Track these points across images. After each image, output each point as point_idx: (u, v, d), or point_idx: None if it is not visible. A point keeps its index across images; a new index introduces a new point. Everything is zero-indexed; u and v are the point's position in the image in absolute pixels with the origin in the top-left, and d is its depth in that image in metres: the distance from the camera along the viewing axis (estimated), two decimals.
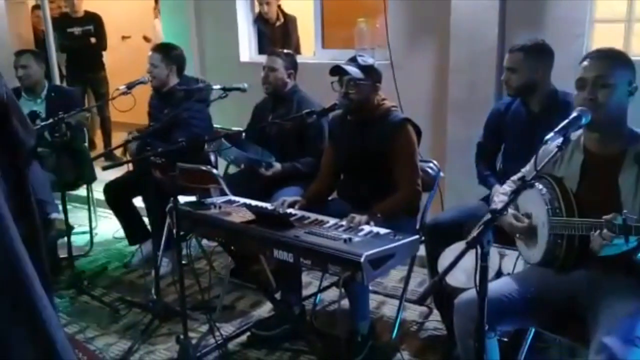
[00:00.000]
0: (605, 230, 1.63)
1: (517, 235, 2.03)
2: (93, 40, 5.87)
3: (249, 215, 2.36)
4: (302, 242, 2.09)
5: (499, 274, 2.18)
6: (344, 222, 2.31)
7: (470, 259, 2.09)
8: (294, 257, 2.10)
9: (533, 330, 2.11)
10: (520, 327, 2.11)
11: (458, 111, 3.46)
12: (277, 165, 3.03)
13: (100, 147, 6.28)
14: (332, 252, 2.00)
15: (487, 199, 2.66)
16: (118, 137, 5.46)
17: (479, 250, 1.51)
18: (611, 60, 1.84)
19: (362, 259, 1.90)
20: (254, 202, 2.62)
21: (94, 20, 5.91)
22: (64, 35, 5.73)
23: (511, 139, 2.66)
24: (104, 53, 6.08)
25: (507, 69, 2.54)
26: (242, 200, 2.67)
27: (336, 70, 2.61)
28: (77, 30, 5.81)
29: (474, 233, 1.50)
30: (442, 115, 3.57)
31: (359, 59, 2.63)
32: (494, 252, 2.21)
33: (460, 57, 3.41)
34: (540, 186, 1.93)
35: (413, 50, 3.70)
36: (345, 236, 2.10)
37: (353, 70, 2.58)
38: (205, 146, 3.36)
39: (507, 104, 2.69)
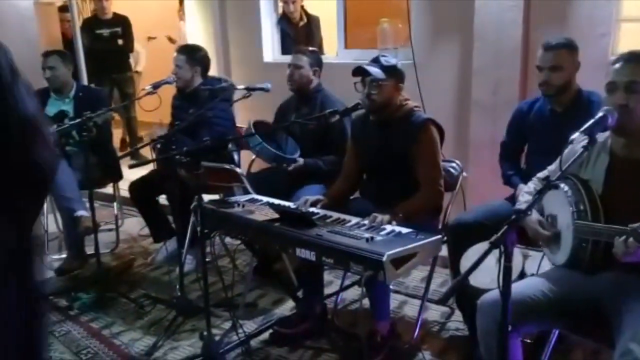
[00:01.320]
0: (630, 239, 1.61)
1: (540, 241, 2.02)
2: (120, 41, 5.97)
3: (272, 214, 2.39)
4: (324, 240, 2.10)
5: (522, 274, 2.17)
6: (366, 221, 2.32)
7: (493, 259, 2.08)
8: (316, 256, 2.12)
9: (557, 331, 2.09)
10: (543, 329, 2.09)
11: (481, 111, 3.44)
12: (300, 161, 3.05)
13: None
14: (354, 251, 2.01)
15: (511, 199, 2.65)
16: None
17: (503, 251, 1.52)
18: None
19: (384, 258, 1.91)
20: (276, 201, 2.65)
21: (122, 22, 6.01)
22: (93, 37, 5.84)
23: (535, 138, 2.64)
24: (130, 54, 6.19)
25: (548, 68, 2.46)
26: (265, 198, 2.70)
27: (359, 71, 2.62)
28: (105, 32, 5.91)
29: (498, 233, 1.50)
30: (465, 115, 3.55)
31: (382, 59, 2.63)
32: (517, 252, 2.19)
33: (484, 57, 3.39)
34: (566, 187, 1.92)
35: (436, 50, 3.69)
36: (367, 235, 2.11)
37: (375, 71, 2.58)
38: (229, 145, 3.42)
39: (531, 104, 2.67)
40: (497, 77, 3.35)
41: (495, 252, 1.91)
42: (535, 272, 2.12)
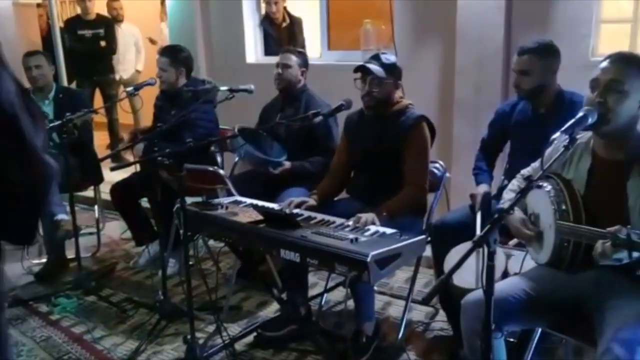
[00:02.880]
0: (607, 244, 1.62)
1: (523, 240, 2.03)
2: (103, 43, 5.90)
3: (256, 216, 2.37)
4: (308, 242, 2.10)
5: (505, 274, 2.18)
6: (350, 222, 2.31)
7: (476, 259, 2.10)
8: (300, 257, 2.11)
9: (540, 330, 2.11)
10: (527, 328, 2.10)
11: (464, 112, 3.46)
12: (287, 164, 3.04)
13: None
14: (338, 252, 2.00)
15: (471, 196, 2.64)
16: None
17: (486, 250, 1.52)
18: (630, 66, 1.78)
19: (368, 259, 1.91)
20: (260, 203, 2.63)
21: (105, 23, 5.95)
22: (75, 37, 5.76)
23: (518, 139, 2.66)
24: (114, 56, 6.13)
25: (518, 72, 2.51)
26: (249, 200, 2.68)
27: (360, 69, 2.64)
28: (88, 32, 5.83)
29: (481, 232, 1.50)
30: (448, 116, 3.57)
31: (382, 57, 2.66)
32: (500, 252, 2.21)
33: (467, 58, 3.41)
34: (549, 187, 1.93)
35: (419, 51, 3.71)
36: (351, 236, 2.11)
37: (377, 69, 2.61)
38: (212, 147, 3.39)
39: (513, 105, 2.69)
40: (479, 78, 3.37)
41: (479, 252, 1.93)
42: (518, 271, 2.14)
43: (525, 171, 2.21)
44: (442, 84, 3.65)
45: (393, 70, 2.66)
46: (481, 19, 3.31)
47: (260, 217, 2.35)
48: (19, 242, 1.18)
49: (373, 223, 2.31)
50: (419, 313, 3.00)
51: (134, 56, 6.52)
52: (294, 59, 3.20)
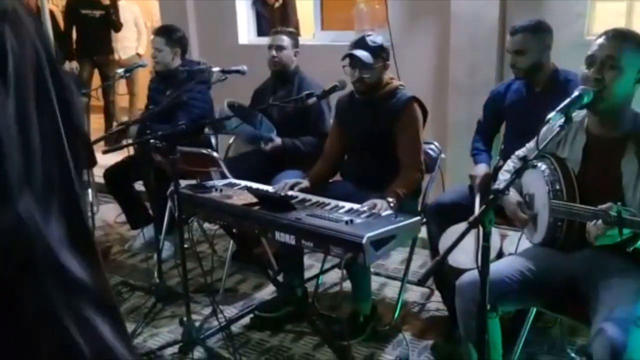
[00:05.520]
0: (599, 221, 1.62)
1: (517, 221, 2.04)
2: (106, 22, 5.79)
3: (250, 198, 2.36)
4: (303, 224, 2.09)
5: (500, 254, 2.19)
6: (354, 206, 2.29)
7: (471, 240, 2.11)
8: (295, 239, 2.11)
9: (534, 310, 2.12)
10: (522, 307, 2.12)
11: (459, 93, 3.44)
12: (277, 140, 3.02)
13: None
14: (333, 234, 2.00)
15: (471, 177, 2.64)
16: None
17: (481, 230, 1.52)
18: (626, 42, 1.78)
19: (363, 240, 1.91)
20: (255, 185, 2.62)
21: (112, 2, 5.85)
22: (78, 17, 5.67)
23: (512, 119, 2.65)
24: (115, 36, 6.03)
25: (513, 52, 2.49)
26: (243, 183, 2.67)
27: (347, 55, 2.61)
28: (91, 12, 5.73)
29: (476, 213, 1.50)
30: (443, 97, 3.55)
31: (368, 40, 2.62)
32: (495, 232, 2.22)
33: (461, 38, 3.38)
34: (543, 167, 1.93)
35: (413, 31, 3.67)
36: (346, 218, 2.10)
37: (364, 55, 2.58)
38: (206, 129, 3.36)
39: (507, 85, 2.68)
40: (474, 59, 3.35)
41: (474, 232, 1.93)
42: (513, 251, 2.15)
43: (521, 152, 2.21)
44: (437, 64, 3.62)
45: (380, 53, 2.62)
46: None
47: (254, 200, 2.34)
48: None
49: (387, 209, 2.29)
50: (414, 294, 3.02)
51: (135, 36, 6.40)
52: (287, 40, 3.17)
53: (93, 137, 3.91)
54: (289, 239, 2.13)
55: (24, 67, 0.74)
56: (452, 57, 3.45)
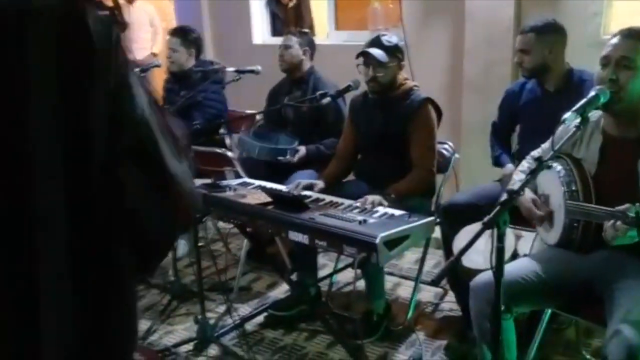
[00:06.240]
0: (618, 222, 1.61)
1: (534, 220, 2.02)
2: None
3: (264, 198, 2.37)
4: (317, 223, 2.10)
5: (514, 255, 2.18)
6: (358, 204, 2.31)
7: (485, 240, 2.09)
8: (309, 239, 2.11)
9: (549, 311, 2.11)
10: (537, 309, 2.10)
11: (474, 92, 3.43)
12: (302, 150, 3.03)
13: None
14: (347, 234, 2.00)
15: (502, 180, 2.65)
16: None
17: (495, 231, 1.52)
18: None
19: (377, 240, 1.91)
20: (269, 185, 2.63)
21: (115, 4, 5.87)
22: None
23: (527, 119, 2.64)
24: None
25: (519, 51, 2.51)
26: (257, 182, 2.69)
27: (362, 55, 2.61)
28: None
29: (491, 214, 1.50)
30: (457, 96, 3.54)
31: (383, 40, 2.62)
32: (509, 233, 2.20)
33: (476, 37, 3.36)
34: (559, 167, 1.92)
35: (428, 30, 3.66)
36: (360, 218, 2.11)
37: (379, 53, 2.58)
38: (221, 129, 3.39)
39: (522, 85, 2.67)
40: (489, 58, 3.33)
41: (488, 233, 1.93)
42: (527, 252, 2.14)
43: (536, 152, 2.19)
44: (451, 63, 3.61)
45: (395, 52, 2.62)
46: None
47: (268, 199, 2.35)
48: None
49: (380, 204, 2.31)
50: (428, 294, 3.01)
51: (150, 36, 6.42)
52: (294, 40, 3.18)
53: None
54: (302, 238, 2.13)
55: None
56: (467, 56, 3.44)
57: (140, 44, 6.34)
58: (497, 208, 1.49)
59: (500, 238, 1.51)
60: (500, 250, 1.52)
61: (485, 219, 1.50)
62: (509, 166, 2.63)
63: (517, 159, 2.63)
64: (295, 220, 2.16)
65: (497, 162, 2.75)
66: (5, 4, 0.75)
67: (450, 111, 3.53)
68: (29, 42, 0.75)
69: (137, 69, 3.33)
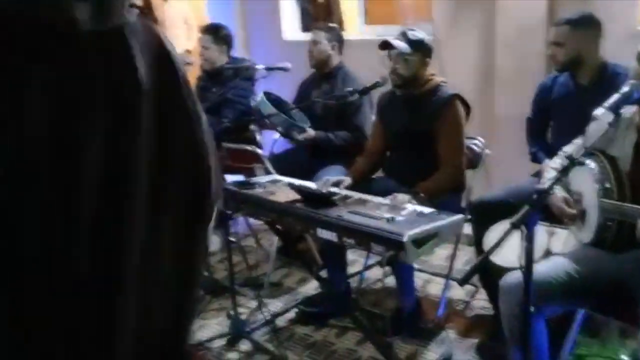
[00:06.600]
0: None
1: (565, 219, 1.98)
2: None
3: (293, 195, 2.38)
4: (345, 221, 2.09)
5: (547, 253, 2.14)
6: (387, 201, 2.31)
7: (519, 237, 2.06)
8: (337, 236, 2.12)
9: (583, 311, 2.07)
10: (569, 309, 2.06)
11: (506, 86, 3.37)
12: (310, 131, 3.05)
13: None
14: (375, 232, 2.00)
15: (538, 175, 2.60)
16: None
17: (524, 232, 1.49)
18: None
19: (405, 239, 1.90)
20: (297, 182, 2.65)
21: (146, 3, 6.02)
22: None
23: (560, 114, 2.58)
24: None
25: (552, 44, 2.46)
26: (287, 179, 2.70)
27: (385, 45, 2.59)
28: None
29: (519, 214, 1.47)
30: (489, 90, 3.48)
31: (409, 34, 2.60)
32: (542, 230, 2.17)
33: (508, 29, 3.30)
34: (593, 164, 1.87)
35: (459, 23, 3.60)
36: (388, 215, 2.09)
37: (401, 45, 2.56)
38: (251, 126, 3.43)
39: (555, 78, 2.62)
40: (521, 51, 3.26)
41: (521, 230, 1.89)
42: (560, 250, 2.09)
43: (567, 148, 2.15)
44: (482, 57, 3.54)
45: (420, 47, 2.59)
46: None
47: (297, 197, 2.36)
48: None
49: (409, 202, 2.30)
50: (459, 291, 2.98)
51: (184, 33, 6.52)
52: (322, 35, 3.19)
53: None
54: (330, 236, 2.14)
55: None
56: (499, 50, 3.37)
57: (175, 41, 6.45)
58: (526, 208, 1.47)
59: (529, 238, 1.49)
60: (529, 251, 1.50)
61: (513, 219, 1.48)
62: (548, 162, 2.58)
63: (551, 154, 2.58)
64: (323, 218, 2.16)
65: (535, 159, 2.71)
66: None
67: (482, 106, 3.48)
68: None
69: None
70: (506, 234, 1.46)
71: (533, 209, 1.46)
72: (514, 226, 1.46)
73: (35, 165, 0.68)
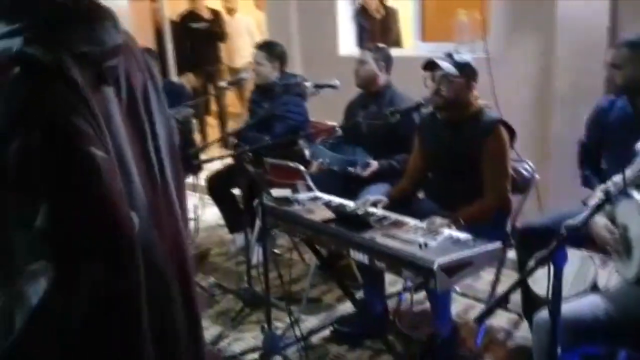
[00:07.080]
0: None
1: (609, 248, 1.87)
2: (213, 34, 6.20)
3: (330, 214, 2.38)
4: (377, 244, 2.07)
5: (594, 286, 2.02)
6: (424, 224, 2.26)
7: (570, 263, 1.96)
8: (369, 259, 2.10)
9: (624, 352, 1.94)
10: (608, 349, 1.94)
11: (564, 108, 3.23)
12: (374, 164, 3.01)
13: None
14: (405, 257, 1.96)
15: (585, 203, 2.47)
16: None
17: (552, 268, 1.42)
18: None
19: (434, 266, 1.86)
20: (337, 200, 2.64)
21: (215, 15, 6.26)
22: (188, 30, 6.11)
23: (615, 139, 2.44)
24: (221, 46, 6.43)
25: (610, 65, 2.34)
26: (327, 197, 2.70)
27: (429, 65, 2.55)
28: (201, 25, 6.16)
29: (546, 250, 1.40)
30: (544, 112, 3.35)
31: (455, 55, 2.55)
32: (590, 262, 2.06)
33: (567, 49, 3.17)
34: (639, 197, 1.76)
35: (515, 42, 3.49)
36: (422, 240, 2.05)
37: (446, 65, 2.50)
38: (300, 142, 3.46)
39: (613, 101, 2.48)
40: (581, 73, 3.12)
41: (577, 254, 1.81)
42: (604, 285, 1.98)
43: (618, 178, 2.03)
44: (538, 77, 3.42)
45: (465, 69, 2.51)
46: (584, 9, 3.05)
47: (333, 216, 2.35)
48: None
49: (448, 227, 2.24)
50: (501, 319, 2.87)
51: (248, 44, 6.72)
52: (368, 55, 3.16)
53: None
54: (363, 258, 2.12)
55: (134, 92, 1.07)
56: (557, 70, 3.24)
57: (241, 52, 6.65)
58: (554, 244, 1.40)
59: (557, 276, 1.41)
60: (556, 290, 1.42)
61: (539, 255, 1.41)
62: (600, 187, 2.45)
63: (603, 181, 2.45)
64: (356, 239, 2.15)
65: (586, 183, 2.58)
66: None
67: (536, 127, 3.36)
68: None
69: (224, 82, 3.53)
70: (530, 271, 1.39)
71: (561, 245, 1.39)
72: (539, 263, 1.39)
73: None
